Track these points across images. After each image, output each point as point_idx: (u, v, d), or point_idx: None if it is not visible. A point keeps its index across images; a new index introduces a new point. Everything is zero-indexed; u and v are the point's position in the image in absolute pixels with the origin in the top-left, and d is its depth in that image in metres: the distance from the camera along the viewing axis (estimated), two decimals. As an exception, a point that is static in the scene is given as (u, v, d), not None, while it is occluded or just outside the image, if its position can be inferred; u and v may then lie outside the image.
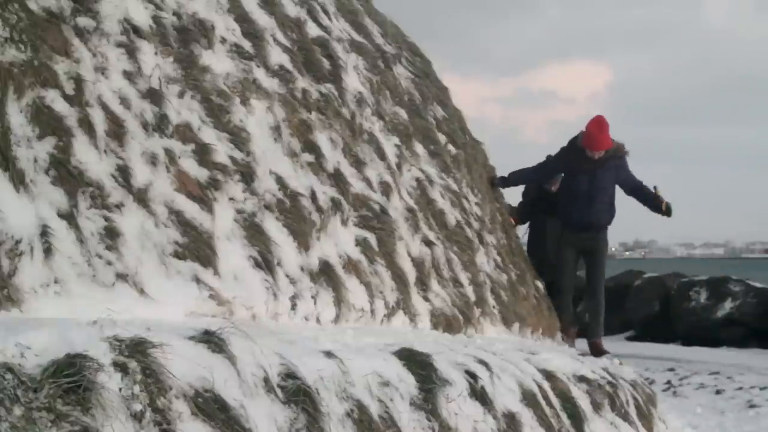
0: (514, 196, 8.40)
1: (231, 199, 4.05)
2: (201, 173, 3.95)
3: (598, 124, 6.88)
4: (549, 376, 4.38)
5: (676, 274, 19.59)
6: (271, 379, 2.63)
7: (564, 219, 7.15)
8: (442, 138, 6.63)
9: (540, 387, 4.15)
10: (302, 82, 5.14)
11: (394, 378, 3.18)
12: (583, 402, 4.49)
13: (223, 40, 4.66)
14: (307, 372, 2.77)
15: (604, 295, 7.16)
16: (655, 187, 6.96)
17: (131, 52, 3.93)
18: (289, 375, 2.71)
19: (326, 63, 5.53)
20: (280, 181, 4.45)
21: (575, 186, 7.02)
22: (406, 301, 4.96)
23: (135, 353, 2.25)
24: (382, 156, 5.58)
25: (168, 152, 3.82)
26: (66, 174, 3.22)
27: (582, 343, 7.08)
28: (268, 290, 3.91)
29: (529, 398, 3.94)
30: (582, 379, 4.74)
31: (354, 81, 5.64)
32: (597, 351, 6.95)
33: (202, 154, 4.02)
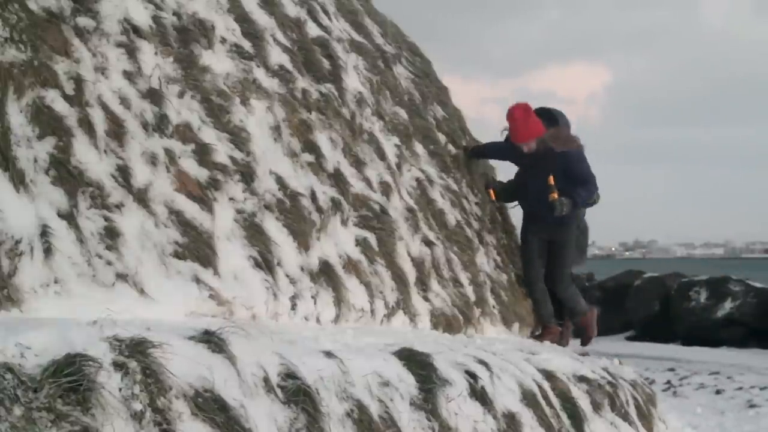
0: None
1: (231, 199, 4.05)
2: (201, 173, 3.95)
3: (512, 115, 6.16)
4: (549, 376, 4.38)
5: (676, 274, 19.62)
6: (271, 379, 2.63)
7: (520, 204, 6.69)
8: (442, 138, 6.63)
9: (540, 387, 4.15)
10: (302, 82, 5.14)
11: (394, 378, 3.18)
12: (583, 402, 4.49)
13: (223, 40, 4.66)
14: (307, 372, 2.77)
15: (567, 290, 6.53)
16: (550, 178, 6.08)
17: (131, 52, 3.93)
18: (289, 375, 2.71)
19: (326, 63, 5.53)
20: (280, 181, 4.45)
21: (521, 178, 6.55)
22: (406, 301, 4.96)
23: (135, 353, 2.25)
24: (382, 156, 5.58)
25: (168, 152, 3.82)
26: (66, 174, 3.22)
27: (579, 343, 7.04)
28: (268, 290, 3.91)
29: (529, 398, 3.94)
30: (582, 379, 4.74)
31: (354, 81, 5.64)
32: (585, 343, 6.67)
33: (202, 154, 4.02)
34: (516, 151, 6.31)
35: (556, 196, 6.06)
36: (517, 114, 6.13)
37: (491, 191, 6.95)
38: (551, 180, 6.05)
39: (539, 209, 6.28)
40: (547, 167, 6.12)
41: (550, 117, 6.30)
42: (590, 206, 6.76)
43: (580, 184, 6.15)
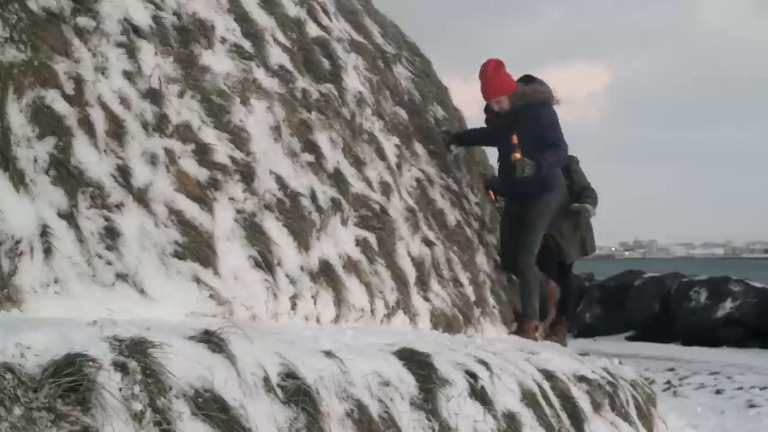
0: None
1: (231, 199, 4.05)
2: (201, 173, 3.95)
3: (483, 69, 5.79)
4: (549, 376, 4.38)
5: (676, 274, 19.62)
6: (271, 379, 2.63)
7: (500, 186, 6.35)
8: (442, 138, 6.63)
9: (540, 387, 4.15)
10: (302, 82, 5.14)
11: (394, 378, 3.18)
12: (583, 402, 4.49)
13: (223, 40, 4.66)
14: (307, 372, 2.77)
15: (532, 271, 5.90)
16: (514, 137, 5.61)
17: (131, 52, 3.93)
18: (289, 375, 2.71)
19: (326, 63, 5.53)
20: (280, 181, 4.45)
21: (498, 148, 6.12)
22: (406, 301, 4.96)
23: (135, 353, 2.25)
24: (382, 156, 5.58)
25: (168, 152, 3.82)
26: (66, 174, 3.22)
27: (581, 343, 7.03)
28: (268, 290, 3.91)
29: (529, 398, 3.94)
30: (582, 379, 4.74)
31: (354, 81, 5.64)
32: (520, 331, 5.84)
33: (202, 154, 4.03)
34: (489, 120, 6.00)
35: (518, 155, 5.56)
36: (487, 69, 5.77)
37: (491, 193, 6.92)
38: (514, 139, 5.57)
39: (506, 176, 5.91)
40: (516, 127, 5.70)
41: (528, 79, 6.01)
42: (589, 205, 6.64)
43: (547, 147, 5.65)
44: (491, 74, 5.75)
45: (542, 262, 6.66)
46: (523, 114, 5.74)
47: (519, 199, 5.94)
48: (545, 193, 5.89)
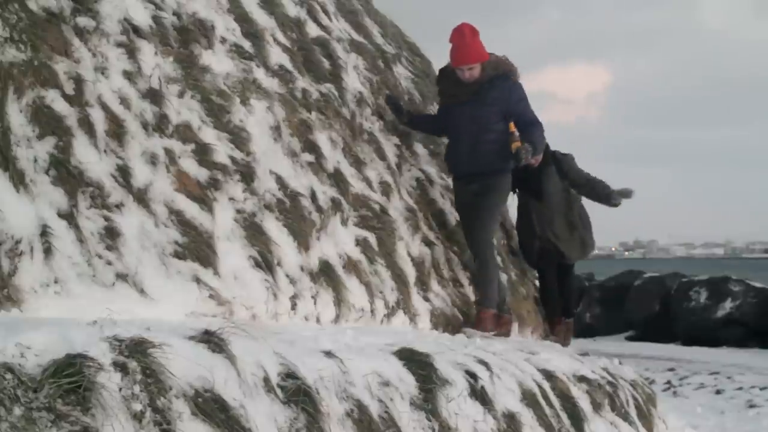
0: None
1: (231, 199, 4.05)
2: (201, 173, 3.95)
3: (460, 32, 5.40)
4: (549, 376, 4.39)
5: (676, 274, 19.63)
6: (271, 379, 2.63)
7: (448, 165, 5.79)
8: (441, 138, 6.63)
9: (540, 387, 4.15)
10: (302, 82, 5.14)
11: (394, 378, 3.18)
12: (583, 402, 4.49)
13: (223, 40, 4.66)
14: (307, 372, 2.77)
15: (489, 253, 5.43)
16: (511, 125, 5.29)
17: (131, 52, 3.93)
18: (289, 375, 2.71)
19: (326, 63, 5.53)
20: (280, 181, 4.45)
21: (453, 123, 5.56)
22: (406, 301, 4.96)
23: (135, 353, 2.25)
24: (382, 156, 5.58)
25: (168, 152, 3.82)
26: (66, 174, 3.22)
27: (581, 343, 7.02)
28: (268, 290, 3.91)
29: (529, 398, 3.94)
30: (582, 379, 4.74)
31: (354, 81, 5.64)
32: (478, 323, 5.29)
33: (202, 154, 4.03)
34: (448, 91, 5.54)
35: (519, 143, 5.19)
36: (465, 33, 5.37)
37: None
38: (512, 127, 5.24)
39: (474, 154, 5.40)
40: (492, 102, 5.33)
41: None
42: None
43: (529, 125, 5.34)
44: (469, 39, 5.37)
45: (544, 266, 6.66)
46: (491, 87, 5.35)
47: (481, 180, 5.44)
48: (507, 172, 5.53)
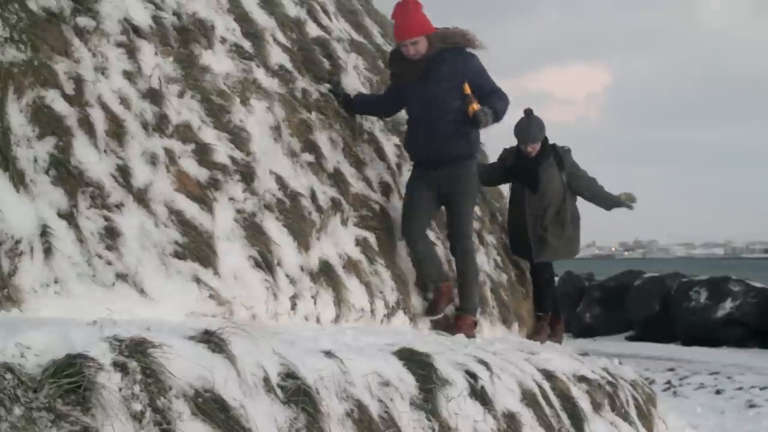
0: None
1: (231, 199, 4.05)
2: (201, 173, 3.95)
3: (401, 6, 4.99)
4: (549, 376, 4.39)
5: (676, 274, 19.63)
6: (271, 379, 2.63)
7: (408, 153, 5.35)
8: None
9: (540, 387, 4.15)
10: (302, 82, 5.14)
11: (394, 378, 3.18)
12: (583, 402, 4.49)
13: (223, 40, 4.66)
14: (307, 372, 2.77)
15: (472, 255, 5.14)
16: (466, 86, 4.83)
17: (131, 52, 3.93)
18: (289, 375, 2.71)
19: (326, 63, 5.53)
20: (280, 181, 4.45)
21: (408, 105, 5.13)
22: (406, 301, 4.96)
23: (135, 353, 2.25)
24: (382, 156, 5.58)
25: (168, 152, 3.82)
26: (66, 174, 3.22)
27: (581, 343, 6.99)
28: (268, 290, 3.91)
29: (529, 398, 3.94)
30: (582, 379, 4.74)
31: (354, 81, 5.64)
32: (458, 330, 4.90)
33: (202, 154, 4.03)
34: (400, 70, 5.06)
35: (476, 106, 4.74)
36: (407, 6, 4.96)
37: None
38: (467, 89, 4.77)
39: (433, 138, 4.93)
40: (449, 78, 4.85)
41: None
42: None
43: (490, 94, 4.88)
44: (412, 12, 4.95)
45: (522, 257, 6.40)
46: (442, 62, 4.88)
47: (444, 167, 4.97)
48: (474, 157, 5.13)
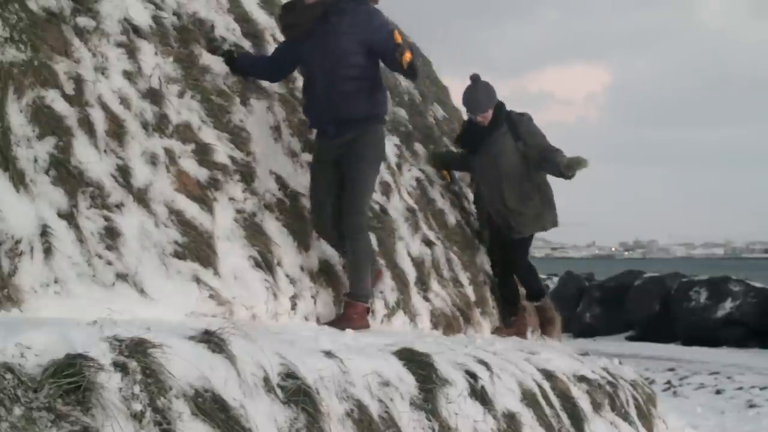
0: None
1: (231, 199, 4.05)
2: (201, 173, 3.95)
3: None
4: (549, 376, 4.39)
5: (676, 274, 19.64)
6: (271, 379, 2.63)
7: (307, 119, 4.60)
8: (442, 138, 6.63)
9: (540, 387, 4.15)
10: (302, 82, 5.13)
11: (394, 378, 3.18)
12: (583, 402, 4.49)
13: (223, 40, 4.66)
14: (307, 372, 2.77)
15: (364, 234, 4.34)
16: (396, 33, 4.09)
17: (131, 52, 3.93)
18: (289, 375, 2.71)
19: (326, 63, 5.52)
20: (280, 181, 4.45)
21: (303, 63, 4.49)
22: (406, 301, 4.96)
23: (135, 353, 2.25)
24: (382, 156, 5.57)
25: (168, 152, 3.83)
26: (66, 174, 3.22)
27: (581, 343, 6.99)
28: (268, 290, 3.91)
29: (529, 398, 3.94)
30: (582, 379, 4.74)
31: (354, 81, 5.63)
32: (347, 320, 4.16)
33: (202, 154, 4.03)
34: (292, 24, 4.42)
35: (409, 55, 4.04)
36: None
37: (445, 173, 6.14)
38: (398, 37, 4.06)
39: (332, 96, 4.28)
40: (348, 31, 4.23)
41: None
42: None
43: (394, 52, 4.07)
44: None
45: (492, 244, 5.86)
46: (340, 12, 4.25)
47: (347, 132, 4.31)
48: (381, 120, 4.46)
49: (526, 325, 6.00)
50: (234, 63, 4.54)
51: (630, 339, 18.07)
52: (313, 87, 4.38)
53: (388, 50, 4.10)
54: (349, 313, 4.23)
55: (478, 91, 5.70)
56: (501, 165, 5.62)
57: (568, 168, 5.44)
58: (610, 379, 5.09)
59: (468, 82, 5.79)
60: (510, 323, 5.91)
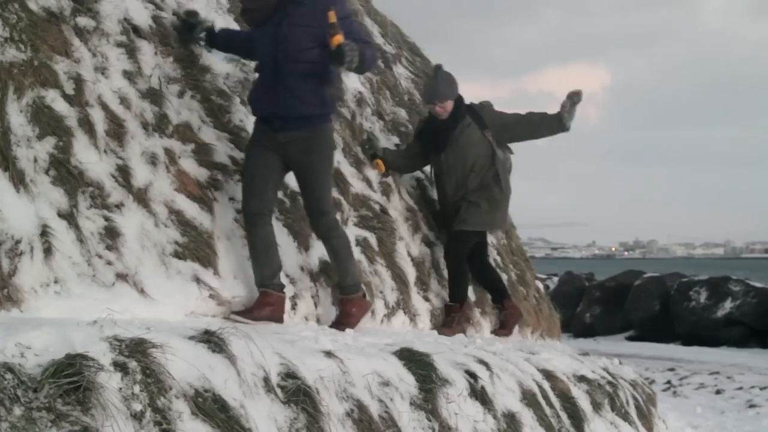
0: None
1: (231, 199, 4.05)
2: (201, 173, 3.95)
3: None
4: (549, 375, 4.39)
5: (676, 274, 19.63)
6: (271, 379, 2.63)
7: (250, 106, 4.27)
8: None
9: (540, 387, 4.15)
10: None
11: (394, 378, 3.18)
12: (583, 402, 4.49)
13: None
14: (307, 372, 2.77)
15: (339, 230, 4.22)
16: (331, 14, 3.82)
17: (131, 52, 3.93)
18: (289, 375, 2.71)
19: (326, 63, 5.52)
20: (280, 181, 4.44)
21: (258, 51, 4.19)
22: (406, 301, 4.96)
23: (135, 353, 2.25)
24: (382, 156, 5.57)
25: (168, 152, 3.83)
26: (66, 174, 3.22)
27: (581, 343, 6.98)
28: (268, 290, 3.90)
29: (529, 398, 3.94)
30: (582, 379, 4.74)
31: (354, 81, 5.64)
32: (346, 317, 4.17)
33: (202, 154, 4.03)
34: (249, 10, 4.21)
35: (340, 37, 3.81)
36: None
37: (379, 162, 5.42)
38: (332, 16, 3.82)
39: (277, 89, 4.01)
40: (301, 21, 3.99)
41: None
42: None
43: (359, 42, 3.92)
44: None
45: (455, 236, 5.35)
46: (299, 3, 4.02)
47: (292, 129, 4.04)
48: (328, 119, 4.20)
49: (465, 324, 5.51)
50: (213, 39, 4.42)
51: (630, 339, 18.05)
52: (260, 76, 4.15)
53: (351, 38, 3.89)
54: (347, 309, 4.18)
55: (438, 79, 5.42)
56: (469, 156, 5.36)
57: (569, 105, 5.26)
58: (610, 379, 5.09)
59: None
60: (503, 316, 5.70)
